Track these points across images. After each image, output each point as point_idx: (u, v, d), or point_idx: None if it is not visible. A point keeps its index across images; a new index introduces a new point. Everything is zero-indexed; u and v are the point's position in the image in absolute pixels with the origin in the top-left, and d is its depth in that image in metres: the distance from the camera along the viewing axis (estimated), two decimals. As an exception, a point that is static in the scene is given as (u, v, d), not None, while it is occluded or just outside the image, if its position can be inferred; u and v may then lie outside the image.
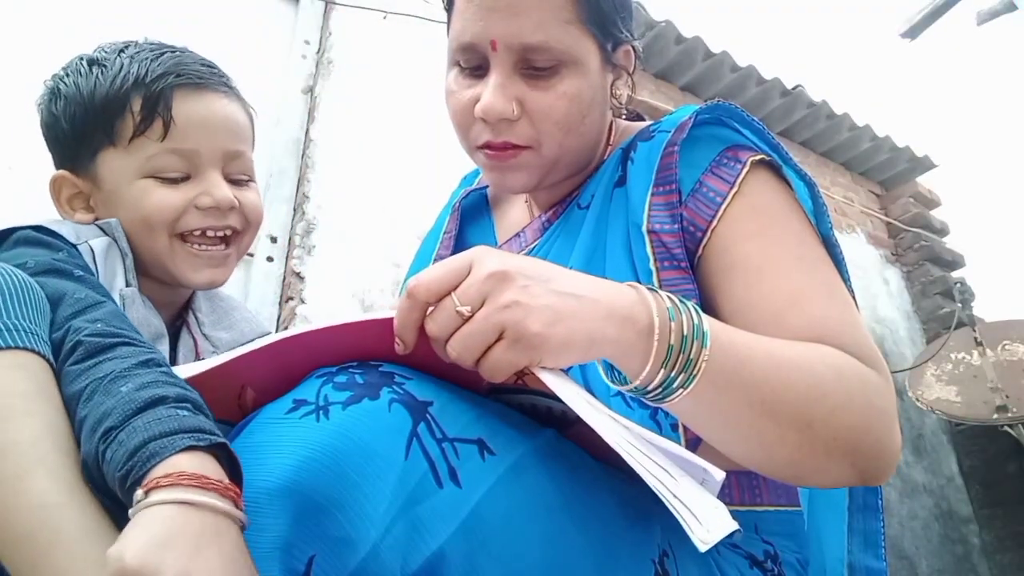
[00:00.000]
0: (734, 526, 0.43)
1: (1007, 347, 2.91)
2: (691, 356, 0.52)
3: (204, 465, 0.43)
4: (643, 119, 0.92)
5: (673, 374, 0.52)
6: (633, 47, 0.79)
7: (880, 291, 3.48)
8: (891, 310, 3.46)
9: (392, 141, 2.08)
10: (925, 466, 3.13)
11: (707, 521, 0.43)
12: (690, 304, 0.54)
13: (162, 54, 0.78)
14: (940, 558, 2.93)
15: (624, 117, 0.91)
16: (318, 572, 0.42)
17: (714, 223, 0.68)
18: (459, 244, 0.94)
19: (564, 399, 0.47)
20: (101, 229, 0.75)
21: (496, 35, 0.69)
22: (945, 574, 2.91)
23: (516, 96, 0.71)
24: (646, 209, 0.71)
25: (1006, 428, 2.73)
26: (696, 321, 0.53)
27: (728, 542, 0.66)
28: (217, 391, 0.54)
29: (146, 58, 0.76)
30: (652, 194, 0.71)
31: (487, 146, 0.74)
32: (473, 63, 0.73)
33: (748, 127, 0.74)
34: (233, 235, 0.80)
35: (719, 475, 0.46)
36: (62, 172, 0.78)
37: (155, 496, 0.40)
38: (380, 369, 0.50)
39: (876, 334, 3.23)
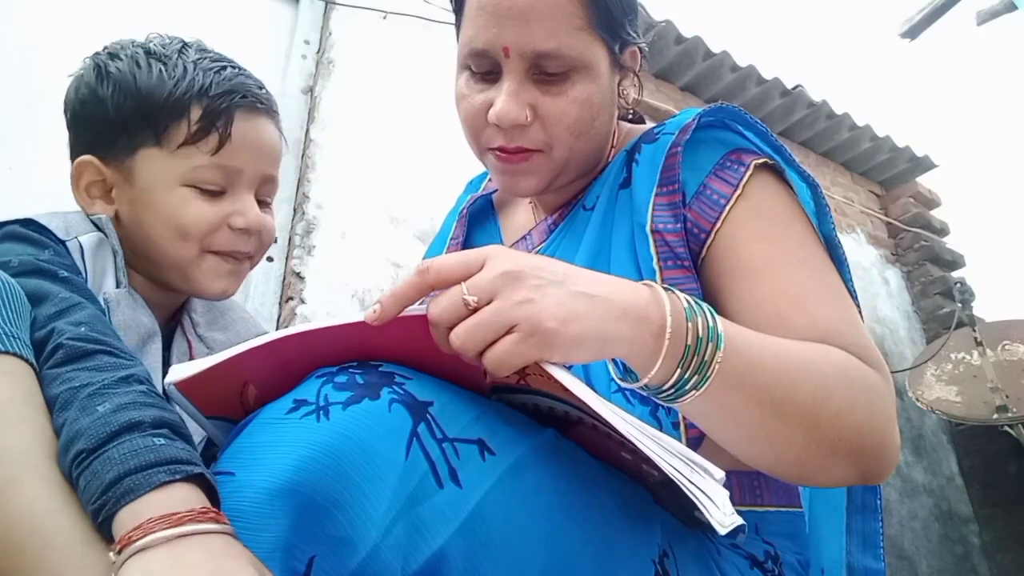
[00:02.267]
0: (741, 520, 0.44)
1: (1007, 347, 2.91)
2: (705, 358, 0.52)
3: (178, 499, 0.43)
4: (644, 122, 0.92)
5: (687, 375, 0.52)
6: (640, 48, 0.80)
7: (880, 291, 3.47)
8: (891, 310, 3.46)
9: (392, 141, 2.08)
10: (925, 466, 3.12)
11: (724, 505, 0.44)
12: (705, 306, 0.54)
13: (225, 68, 0.78)
14: (940, 558, 2.92)
15: (628, 119, 0.91)
16: (319, 573, 0.42)
17: (717, 225, 0.69)
18: (466, 249, 0.95)
19: (575, 391, 0.46)
20: (93, 224, 0.74)
21: (509, 42, 0.70)
22: (945, 574, 2.91)
23: (529, 102, 0.72)
24: (650, 209, 0.71)
25: (1006, 428, 2.73)
26: (711, 323, 0.53)
27: (729, 542, 0.66)
28: (219, 389, 0.54)
29: (210, 68, 0.76)
30: (656, 194, 0.71)
31: (499, 149, 0.75)
32: (484, 68, 0.74)
33: (751, 130, 0.74)
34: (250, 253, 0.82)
35: (719, 475, 0.46)
36: (89, 158, 0.76)
37: (128, 553, 0.40)
38: (380, 369, 0.50)
39: (876, 334, 3.23)
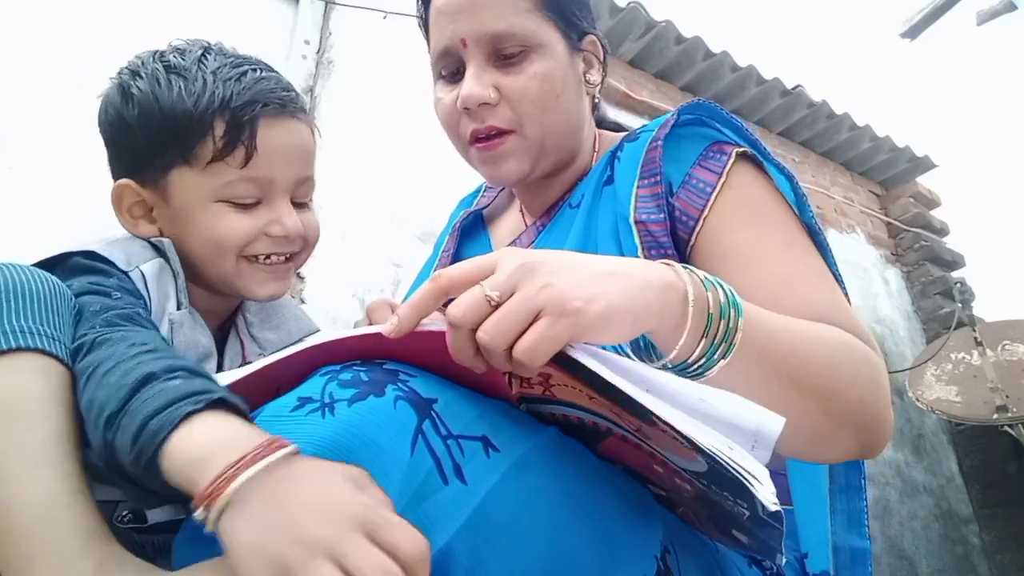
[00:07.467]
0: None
1: (1007, 347, 2.91)
2: (731, 325, 0.53)
3: (215, 428, 0.44)
4: (625, 130, 0.95)
5: (715, 343, 0.53)
6: (597, 36, 0.85)
7: (880, 291, 3.48)
8: (891, 310, 3.46)
9: (392, 141, 2.08)
10: (925, 466, 3.13)
11: (767, 483, 0.42)
12: (719, 280, 0.55)
13: (244, 74, 0.75)
14: (940, 558, 2.93)
15: (607, 125, 0.94)
16: (324, 568, 0.42)
17: (705, 212, 0.71)
18: (456, 261, 0.95)
19: (600, 373, 0.45)
20: (154, 247, 0.74)
21: (464, 33, 0.76)
22: (945, 574, 2.91)
23: (492, 83, 0.77)
24: (632, 201, 0.74)
25: (1006, 428, 2.73)
26: (729, 293, 0.54)
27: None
28: (255, 393, 0.55)
29: (230, 77, 0.74)
30: (638, 186, 0.74)
31: (475, 137, 0.79)
32: (452, 68, 0.80)
33: (728, 126, 0.78)
34: (293, 253, 0.81)
35: (778, 422, 0.45)
36: (127, 181, 0.76)
37: (214, 513, 0.40)
38: (385, 366, 0.50)
39: (876, 334, 3.23)
